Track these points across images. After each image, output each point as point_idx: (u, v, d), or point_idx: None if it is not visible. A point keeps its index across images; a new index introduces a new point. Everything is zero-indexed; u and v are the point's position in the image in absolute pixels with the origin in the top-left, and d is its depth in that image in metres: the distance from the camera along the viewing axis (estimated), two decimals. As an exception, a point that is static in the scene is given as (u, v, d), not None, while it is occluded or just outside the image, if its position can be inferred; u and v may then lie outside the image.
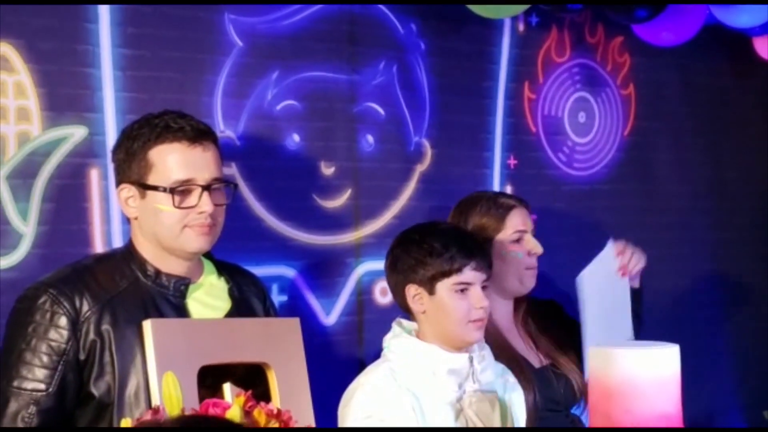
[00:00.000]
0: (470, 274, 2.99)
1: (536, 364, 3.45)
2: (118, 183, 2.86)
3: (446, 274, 2.98)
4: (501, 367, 3.17)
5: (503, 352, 3.30)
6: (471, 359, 3.00)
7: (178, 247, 2.84)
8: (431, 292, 3.00)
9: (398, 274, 3.06)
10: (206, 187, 2.82)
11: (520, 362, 3.35)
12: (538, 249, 3.48)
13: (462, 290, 2.99)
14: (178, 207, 2.79)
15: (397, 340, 3.03)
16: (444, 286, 2.99)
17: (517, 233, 3.46)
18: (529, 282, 3.49)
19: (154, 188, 2.80)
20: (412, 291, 3.03)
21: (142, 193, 2.81)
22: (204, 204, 2.81)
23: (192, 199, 2.81)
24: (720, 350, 5.21)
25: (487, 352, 3.07)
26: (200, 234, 2.83)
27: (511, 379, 3.17)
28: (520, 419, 3.14)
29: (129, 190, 2.84)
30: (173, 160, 2.80)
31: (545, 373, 3.43)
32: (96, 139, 3.37)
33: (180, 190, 2.80)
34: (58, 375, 2.72)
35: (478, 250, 3.04)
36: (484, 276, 3.02)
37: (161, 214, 2.81)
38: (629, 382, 2.51)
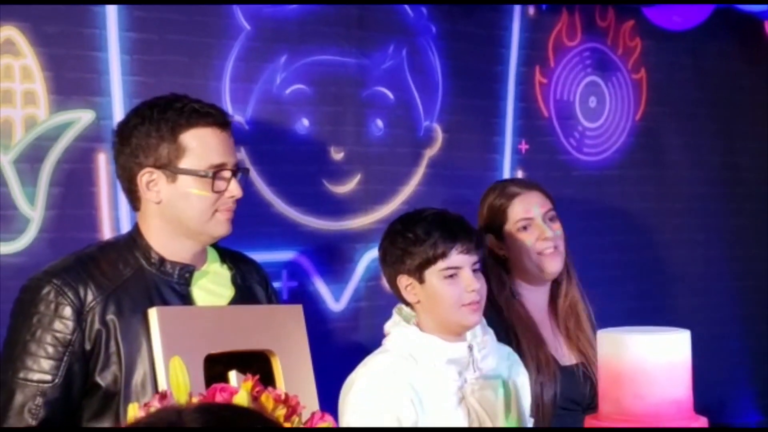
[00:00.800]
0: (457, 258, 2.95)
1: (565, 362, 3.37)
2: (136, 167, 2.79)
3: (432, 260, 2.94)
4: (507, 350, 3.14)
5: (531, 344, 3.27)
6: (471, 348, 2.97)
7: (205, 231, 2.82)
8: (421, 280, 2.96)
9: (388, 266, 3.04)
10: (234, 172, 2.82)
11: (545, 356, 3.29)
12: (547, 233, 3.37)
13: (452, 275, 2.95)
14: (215, 192, 2.78)
15: (396, 329, 3.00)
16: (432, 273, 2.95)
17: (522, 221, 3.38)
18: (549, 266, 3.37)
19: (190, 172, 2.77)
20: (404, 282, 2.99)
21: (171, 177, 2.78)
22: (234, 189, 2.81)
23: (223, 184, 2.80)
24: (732, 336, 5.19)
25: (490, 336, 3.04)
26: (227, 219, 2.83)
27: (517, 360, 3.15)
28: (526, 403, 3.12)
29: (152, 174, 2.79)
30: (209, 145, 2.78)
31: (572, 372, 3.35)
32: (103, 123, 3.35)
33: (216, 175, 2.79)
34: (64, 366, 2.70)
35: (463, 232, 2.97)
36: (474, 258, 2.97)
37: (193, 198, 2.78)
38: (640, 367, 2.49)
